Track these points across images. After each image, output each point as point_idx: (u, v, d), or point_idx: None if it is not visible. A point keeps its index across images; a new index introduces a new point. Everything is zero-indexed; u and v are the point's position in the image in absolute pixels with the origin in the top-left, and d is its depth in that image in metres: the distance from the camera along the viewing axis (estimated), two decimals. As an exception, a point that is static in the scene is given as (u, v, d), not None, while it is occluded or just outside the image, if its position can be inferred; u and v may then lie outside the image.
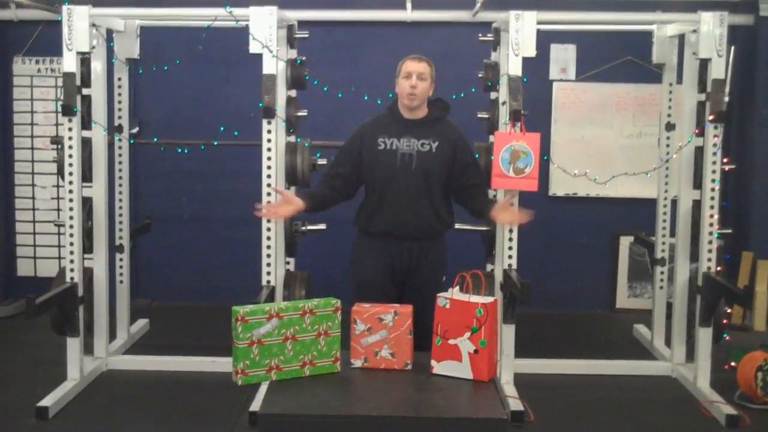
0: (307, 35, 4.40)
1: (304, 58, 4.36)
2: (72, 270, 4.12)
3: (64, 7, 4.03)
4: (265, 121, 3.98)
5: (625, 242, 5.84)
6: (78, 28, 4.02)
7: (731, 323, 4.91)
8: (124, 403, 4.10)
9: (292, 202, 3.71)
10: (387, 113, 3.79)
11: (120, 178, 4.86)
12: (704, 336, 4.14)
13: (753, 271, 5.55)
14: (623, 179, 4.69)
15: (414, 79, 3.63)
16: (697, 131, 4.27)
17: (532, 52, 4.00)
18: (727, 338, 4.52)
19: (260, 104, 3.94)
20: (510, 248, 4.06)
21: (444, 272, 3.81)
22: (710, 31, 4.04)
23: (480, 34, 4.57)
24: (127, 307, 4.93)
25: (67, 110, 4.05)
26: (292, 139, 4.29)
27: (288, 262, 4.42)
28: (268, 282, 4.04)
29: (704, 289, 4.14)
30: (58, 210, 5.81)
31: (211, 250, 5.92)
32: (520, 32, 3.98)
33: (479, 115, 4.45)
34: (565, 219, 5.86)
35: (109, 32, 4.50)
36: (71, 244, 4.11)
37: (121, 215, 4.88)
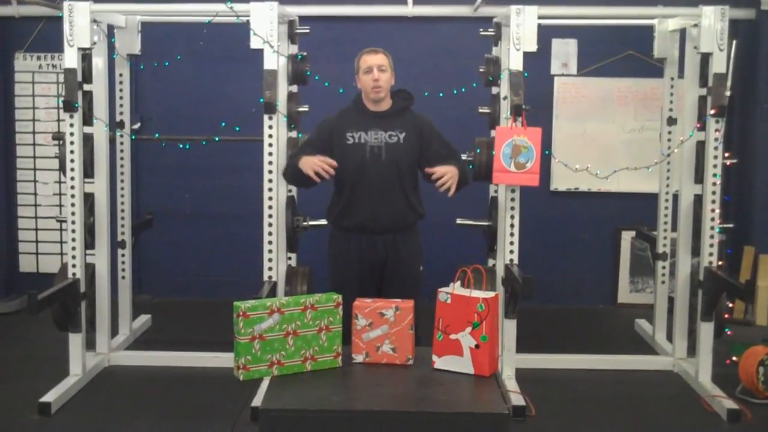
0: (308, 30, 4.40)
1: (305, 54, 4.35)
2: (74, 266, 4.13)
3: (65, 3, 4.03)
4: (266, 117, 3.97)
5: (627, 237, 5.84)
6: (79, 24, 4.02)
7: (733, 318, 4.91)
8: (126, 398, 4.11)
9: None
10: (352, 107, 3.82)
11: (122, 173, 4.86)
12: (706, 331, 4.14)
13: (755, 265, 5.54)
14: (625, 174, 4.68)
15: (375, 72, 3.66)
16: (698, 125, 4.27)
17: (533, 46, 3.99)
18: (729, 333, 4.53)
19: (261, 100, 3.94)
20: (512, 243, 4.06)
21: (420, 262, 3.84)
22: (711, 25, 4.03)
23: (481, 29, 4.57)
24: (129, 303, 4.93)
25: (69, 106, 4.05)
26: (294, 134, 4.29)
27: (290, 258, 4.42)
28: (270, 277, 4.04)
29: (706, 284, 4.14)
30: (60, 206, 5.81)
31: (213, 245, 5.93)
32: (522, 27, 3.97)
33: (480, 110, 4.45)
34: (566, 214, 5.86)
35: (110, 28, 4.49)
36: (73, 240, 4.12)
37: (122, 211, 4.88)
